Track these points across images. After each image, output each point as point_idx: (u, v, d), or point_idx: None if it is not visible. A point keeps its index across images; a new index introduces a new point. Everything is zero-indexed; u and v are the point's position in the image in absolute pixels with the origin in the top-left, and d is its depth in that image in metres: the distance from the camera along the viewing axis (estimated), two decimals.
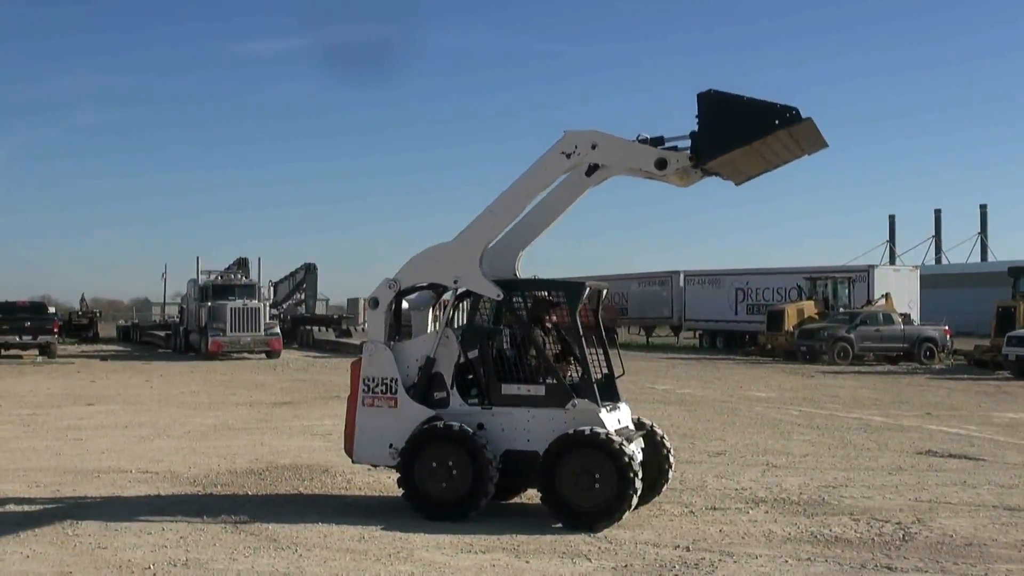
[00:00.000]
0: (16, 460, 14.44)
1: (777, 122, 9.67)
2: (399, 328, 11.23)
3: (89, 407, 22.08)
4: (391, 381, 10.75)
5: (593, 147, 10.32)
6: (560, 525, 9.92)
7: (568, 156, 10.40)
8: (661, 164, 10.17)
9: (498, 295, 10.62)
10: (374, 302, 11.05)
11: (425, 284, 11.18)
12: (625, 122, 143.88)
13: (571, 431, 10.03)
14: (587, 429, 9.97)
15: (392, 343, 10.99)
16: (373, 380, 10.81)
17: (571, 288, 10.82)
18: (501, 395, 10.53)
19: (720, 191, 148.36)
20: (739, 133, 9.86)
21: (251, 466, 13.84)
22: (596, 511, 9.83)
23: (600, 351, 11.07)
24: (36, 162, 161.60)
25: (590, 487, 9.83)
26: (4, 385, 28.10)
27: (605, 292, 11.71)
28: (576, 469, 9.88)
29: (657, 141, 10.33)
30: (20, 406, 22.19)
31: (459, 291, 11.01)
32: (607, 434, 9.92)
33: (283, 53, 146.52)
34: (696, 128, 10.08)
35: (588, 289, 10.79)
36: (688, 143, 10.22)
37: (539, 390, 10.47)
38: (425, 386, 10.73)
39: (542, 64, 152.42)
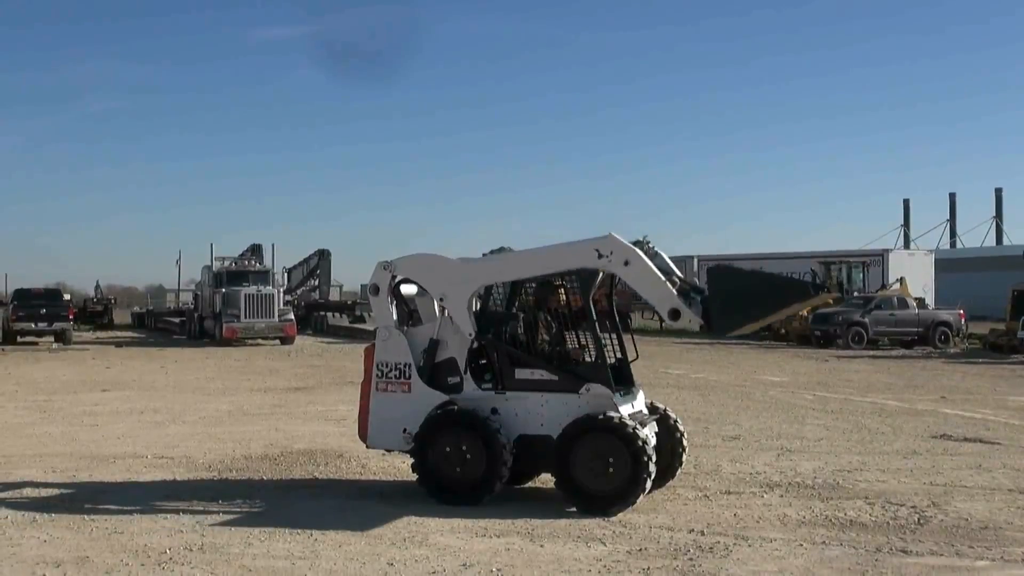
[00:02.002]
0: (32, 446, 14.52)
1: (789, 300, 9.87)
2: (411, 313, 11.24)
3: (104, 393, 22.19)
4: (405, 366, 10.77)
5: (626, 263, 10.23)
6: (574, 509, 9.93)
7: (599, 256, 10.29)
8: (674, 315, 10.15)
9: (470, 334, 10.60)
10: (374, 288, 11.08)
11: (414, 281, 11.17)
12: (633, 111, 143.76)
13: (585, 415, 10.04)
14: (601, 413, 9.98)
15: (406, 328, 11.01)
16: (387, 365, 10.83)
17: (584, 273, 10.81)
18: (515, 380, 10.54)
19: (734, 178, 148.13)
20: (751, 310, 10.05)
21: (266, 451, 13.90)
22: (610, 495, 9.84)
23: (614, 336, 11.06)
24: (51, 149, 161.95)
25: (604, 471, 9.84)
26: (20, 371, 28.26)
27: (618, 277, 11.69)
28: (590, 453, 9.88)
29: (684, 289, 10.27)
30: (36, 392, 22.32)
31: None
32: (621, 418, 9.92)
33: (296, 40, 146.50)
34: (707, 296, 10.15)
35: (601, 274, 10.79)
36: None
37: (552, 375, 10.48)
38: (430, 369, 10.74)
39: (554, 51, 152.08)
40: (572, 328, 11.04)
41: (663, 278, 10.21)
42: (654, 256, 10.75)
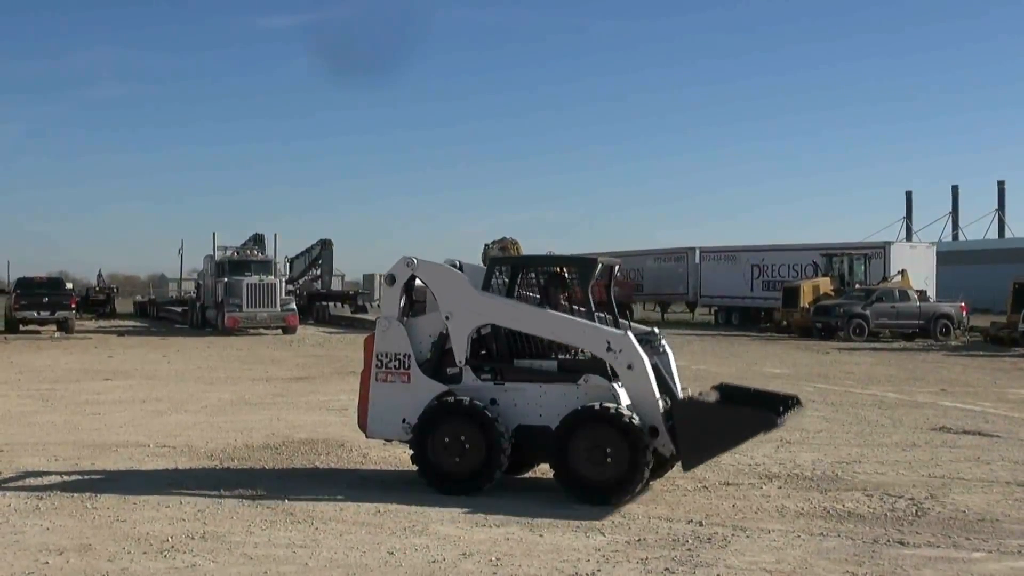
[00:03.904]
0: (35, 434, 14.58)
1: (755, 430, 9.86)
2: (412, 304, 11.28)
3: (107, 382, 22.25)
4: (404, 356, 10.81)
5: (629, 367, 10.16)
6: (574, 500, 9.96)
7: (608, 348, 10.22)
8: (652, 432, 10.07)
9: (461, 361, 10.61)
10: (391, 279, 11.11)
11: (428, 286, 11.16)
12: (637, 102, 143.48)
13: (582, 406, 10.09)
14: (598, 404, 10.02)
15: (405, 319, 11.05)
16: (386, 355, 10.87)
17: (583, 264, 10.85)
18: (513, 370, 10.59)
19: (737, 169, 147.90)
20: (718, 443, 10.03)
21: (267, 441, 13.95)
22: (609, 485, 9.89)
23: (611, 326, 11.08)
24: (54, 137, 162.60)
25: (602, 461, 9.88)
26: (23, 360, 28.32)
27: (617, 268, 11.74)
28: (588, 444, 9.92)
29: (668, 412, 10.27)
30: (38, 381, 22.37)
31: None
32: (618, 408, 9.96)
33: (298, 29, 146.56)
34: (673, 427, 10.07)
35: (600, 265, 10.82)
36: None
37: (551, 365, 10.52)
38: (438, 361, 10.78)
39: (563, 39, 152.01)
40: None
41: (656, 395, 10.14)
42: (662, 354, 10.84)
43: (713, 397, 11.08)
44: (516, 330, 10.73)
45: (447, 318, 10.73)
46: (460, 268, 11.04)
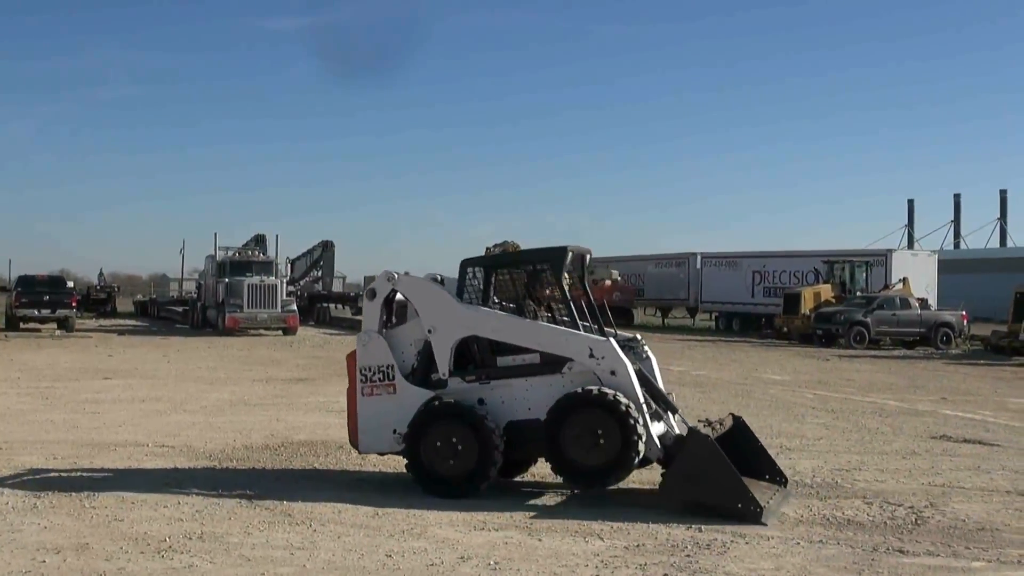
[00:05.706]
0: (34, 432, 14.57)
1: (740, 506, 9.54)
2: (391, 315, 11.28)
3: (106, 381, 22.24)
4: (387, 368, 10.81)
5: (612, 373, 10.15)
6: (574, 505, 9.96)
7: (591, 355, 10.23)
8: None
9: (444, 374, 10.64)
10: (371, 293, 11.14)
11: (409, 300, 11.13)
12: (640, 107, 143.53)
13: (567, 393, 10.11)
14: (581, 388, 10.05)
15: (384, 330, 11.04)
16: (370, 369, 10.87)
17: (552, 254, 10.84)
18: (497, 368, 10.59)
19: (739, 175, 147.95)
20: (703, 491, 9.71)
21: (267, 441, 13.93)
22: (603, 468, 9.93)
23: (588, 317, 11.07)
24: (60, 136, 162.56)
25: (595, 444, 9.91)
26: (23, 358, 28.31)
27: (589, 257, 11.69)
28: (579, 429, 9.95)
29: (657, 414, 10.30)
30: (38, 379, 22.37)
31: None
32: (601, 389, 9.97)
33: (303, 31, 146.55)
34: (672, 453, 10.02)
35: (570, 253, 10.80)
36: None
37: (534, 359, 10.52)
38: (425, 369, 10.78)
39: (568, 43, 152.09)
40: (549, 311, 11.10)
41: (641, 398, 10.11)
42: (645, 360, 10.91)
43: (728, 424, 11.00)
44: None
45: (430, 332, 10.75)
46: (441, 283, 11.08)
